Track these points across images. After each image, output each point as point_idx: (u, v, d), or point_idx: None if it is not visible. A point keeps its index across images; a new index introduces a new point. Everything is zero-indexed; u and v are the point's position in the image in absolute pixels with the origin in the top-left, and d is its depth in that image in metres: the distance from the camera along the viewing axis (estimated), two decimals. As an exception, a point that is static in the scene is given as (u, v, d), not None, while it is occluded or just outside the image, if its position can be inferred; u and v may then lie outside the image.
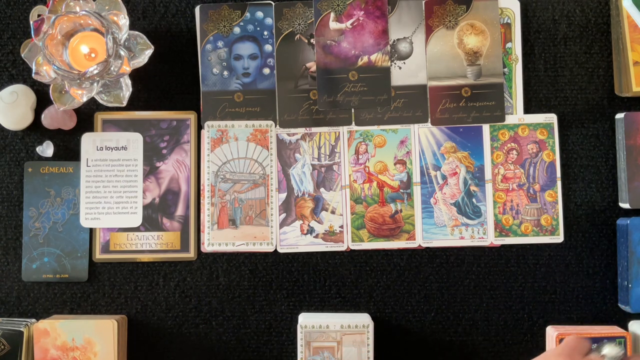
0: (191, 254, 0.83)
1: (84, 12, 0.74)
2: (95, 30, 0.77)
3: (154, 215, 0.83)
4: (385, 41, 0.84)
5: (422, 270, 0.83)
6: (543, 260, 0.83)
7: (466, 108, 0.84)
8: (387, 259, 0.84)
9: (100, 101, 0.78)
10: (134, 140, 0.84)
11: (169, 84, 0.84)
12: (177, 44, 0.85)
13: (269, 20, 0.84)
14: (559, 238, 0.83)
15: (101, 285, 0.83)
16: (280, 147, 0.84)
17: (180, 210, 0.84)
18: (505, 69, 0.84)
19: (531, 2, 0.85)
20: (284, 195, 0.84)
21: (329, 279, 0.84)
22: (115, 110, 0.84)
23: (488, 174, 0.83)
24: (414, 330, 0.83)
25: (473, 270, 0.83)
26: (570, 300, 0.83)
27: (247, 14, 0.84)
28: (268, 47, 0.84)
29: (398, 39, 0.84)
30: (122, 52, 0.76)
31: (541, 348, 0.82)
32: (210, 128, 0.84)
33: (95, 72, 0.74)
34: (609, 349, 0.67)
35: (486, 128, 0.84)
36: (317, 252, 0.83)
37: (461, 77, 0.84)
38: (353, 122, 0.84)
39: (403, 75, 0.84)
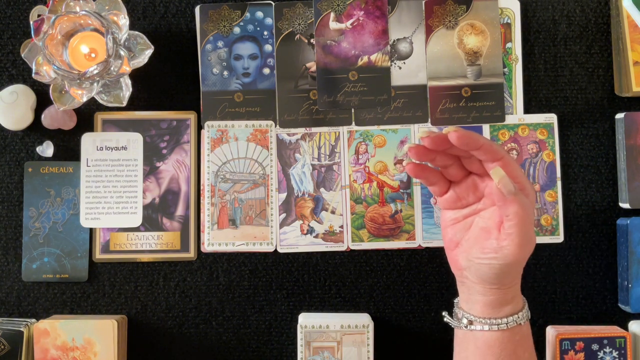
0: (191, 254, 0.83)
1: (84, 12, 0.74)
2: (95, 30, 0.77)
3: (154, 215, 0.83)
4: (385, 41, 0.84)
5: (422, 270, 0.83)
6: (543, 260, 0.83)
7: (466, 108, 0.84)
8: (387, 259, 0.84)
9: (100, 101, 0.78)
10: (134, 140, 0.84)
11: (169, 84, 0.84)
12: (177, 44, 0.85)
13: (269, 20, 0.84)
14: (559, 238, 0.83)
15: (101, 285, 0.83)
16: (280, 147, 0.84)
17: (180, 210, 0.84)
18: (505, 69, 0.84)
19: (531, 2, 0.85)
20: (284, 195, 0.84)
21: (329, 279, 0.84)
22: (115, 110, 0.84)
23: (488, 174, 0.83)
24: (414, 330, 0.83)
25: (473, 270, 0.83)
26: (570, 300, 0.83)
27: (247, 14, 0.84)
28: (268, 47, 0.84)
29: (398, 39, 0.84)
30: (122, 52, 0.76)
31: (541, 348, 0.82)
32: (210, 128, 0.84)
33: (95, 72, 0.74)
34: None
35: (486, 128, 0.84)
36: (317, 252, 0.83)
37: (461, 77, 0.84)
38: (353, 122, 0.84)
39: (403, 75, 0.84)
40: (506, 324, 0.64)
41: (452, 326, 0.68)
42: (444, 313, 0.68)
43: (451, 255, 0.68)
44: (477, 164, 0.66)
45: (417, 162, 0.66)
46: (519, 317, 0.64)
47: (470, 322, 0.65)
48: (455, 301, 0.69)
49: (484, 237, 0.64)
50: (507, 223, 0.61)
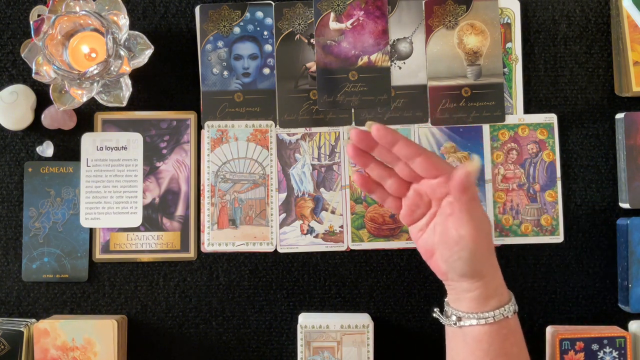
0: (191, 254, 0.83)
1: (84, 12, 0.74)
2: (95, 30, 0.77)
3: (154, 215, 0.83)
4: (385, 41, 0.84)
5: (422, 270, 0.83)
6: (543, 260, 0.83)
7: (466, 108, 0.84)
8: (387, 259, 0.84)
9: (100, 101, 0.78)
10: (134, 140, 0.84)
11: (169, 84, 0.84)
12: (177, 44, 0.85)
13: (269, 20, 0.84)
14: (559, 238, 0.83)
15: (101, 285, 0.83)
16: (280, 147, 0.84)
17: (180, 210, 0.84)
18: (505, 69, 0.84)
19: (531, 2, 0.85)
20: (284, 195, 0.84)
21: (329, 279, 0.84)
22: (115, 110, 0.84)
23: (488, 174, 0.83)
24: (414, 330, 0.83)
25: (473, 270, 0.83)
26: (570, 300, 0.83)
27: (247, 14, 0.84)
28: (268, 47, 0.84)
29: (398, 39, 0.84)
30: (122, 52, 0.76)
31: (541, 348, 0.82)
32: (210, 128, 0.84)
33: (95, 72, 0.74)
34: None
35: (486, 128, 0.84)
36: (317, 252, 0.83)
37: (461, 77, 0.84)
38: (353, 122, 0.84)
39: (403, 75, 0.84)
40: (493, 317, 0.65)
41: (442, 323, 0.69)
42: (435, 309, 0.70)
43: (431, 263, 0.70)
44: (407, 169, 0.68)
45: (363, 171, 0.71)
46: (505, 310, 0.66)
47: (459, 319, 0.67)
48: (445, 300, 0.70)
49: (445, 235, 0.66)
50: (459, 210, 0.64)
